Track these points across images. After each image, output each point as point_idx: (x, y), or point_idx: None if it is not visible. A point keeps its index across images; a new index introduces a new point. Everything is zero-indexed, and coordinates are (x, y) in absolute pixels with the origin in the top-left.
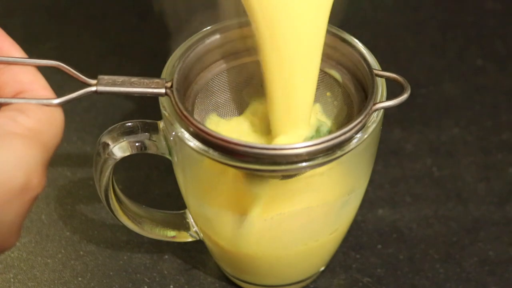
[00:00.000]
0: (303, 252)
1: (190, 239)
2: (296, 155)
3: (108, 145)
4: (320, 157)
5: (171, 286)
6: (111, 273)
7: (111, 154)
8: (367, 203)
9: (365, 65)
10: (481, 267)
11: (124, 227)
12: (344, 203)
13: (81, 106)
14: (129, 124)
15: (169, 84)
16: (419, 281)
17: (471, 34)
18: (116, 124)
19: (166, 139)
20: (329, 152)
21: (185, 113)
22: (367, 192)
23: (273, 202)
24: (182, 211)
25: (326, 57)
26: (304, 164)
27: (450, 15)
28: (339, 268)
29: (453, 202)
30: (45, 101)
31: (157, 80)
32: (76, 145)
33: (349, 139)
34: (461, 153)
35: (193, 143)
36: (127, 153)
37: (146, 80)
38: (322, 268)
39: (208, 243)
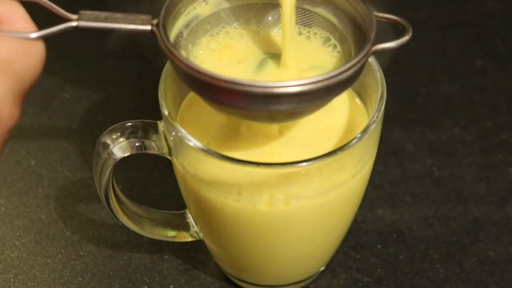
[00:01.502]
0: (303, 251)
1: (190, 239)
2: (288, 94)
3: (108, 145)
4: (320, 157)
5: (171, 286)
6: (111, 273)
7: (111, 154)
8: (367, 203)
9: (364, 7)
10: (481, 267)
11: (124, 227)
12: (344, 203)
13: (81, 105)
14: (129, 124)
15: (155, 21)
16: (419, 281)
17: (471, 34)
18: (116, 124)
19: (166, 139)
20: (326, 93)
21: (172, 50)
22: (367, 192)
23: (268, 192)
24: (182, 211)
25: (323, 0)
26: (304, 164)
27: (450, 15)
28: (339, 268)
29: (453, 202)
30: (22, 34)
31: (142, 16)
32: (76, 145)
33: (346, 82)
34: (461, 153)
35: (193, 142)
36: (127, 153)
37: (131, 17)
38: (322, 268)
39: (208, 243)
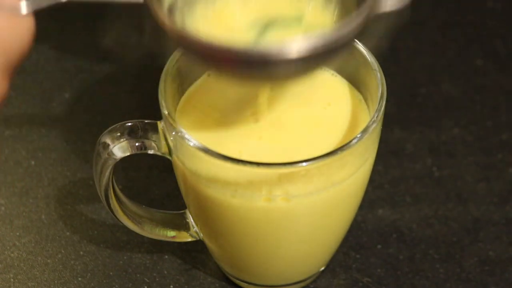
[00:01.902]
0: (303, 251)
1: (190, 239)
2: (284, 60)
3: (108, 145)
4: (320, 157)
5: (171, 286)
6: (111, 273)
7: (111, 154)
8: (367, 203)
9: None
10: (481, 267)
11: (124, 227)
12: (343, 200)
13: (80, 105)
14: (129, 124)
15: None
16: (419, 281)
17: (471, 34)
18: (116, 124)
19: (166, 139)
20: (328, 55)
21: (165, 19)
22: (367, 192)
23: (267, 188)
24: (182, 211)
25: None
26: (304, 164)
27: (450, 15)
28: (339, 268)
29: (453, 202)
30: (10, 10)
31: None
32: (76, 145)
33: (344, 45)
34: (461, 153)
35: (193, 142)
36: (127, 153)
37: None
38: (322, 268)
39: (208, 243)
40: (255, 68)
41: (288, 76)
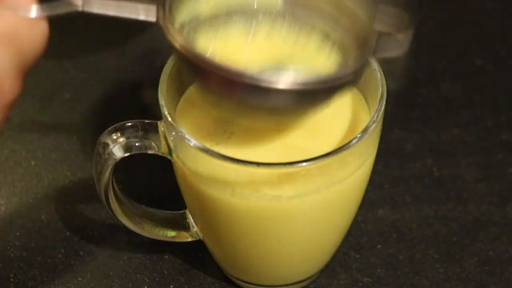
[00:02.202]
0: (303, 251)
1: (190, 239)
2: (283, 91)
3: (108, 145)
4: (320, 157)
5: (171, 286)
6: (111, 273)
7: (111, 154)
8: (367, 203)
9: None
10: (481, 267)
11: (124, 227)
12: (344, 200)
13: (81, 105)
14: (129, 124)
15: (161, 12)
16: (419, 281)
17: (471, 34)
18: (116, 124)
19: (166, 139)
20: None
21: (179, 38)
22: (367, 192)
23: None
24: (182, 211)
25: (320, 14)
26: (304, 164)
27: (450, 15)
28: (339, 268)
29: (453, 202)
30: (25, 12)
31: (148, 6)
32: (76, 145)
33: (341, 87)
34: (461, 153)
35: (193, 142)
36: (127, 153)
37: (137, 5)
38: (322, 268)
39: (208, 243)
40: (263, 96)
41: (290, 109)
